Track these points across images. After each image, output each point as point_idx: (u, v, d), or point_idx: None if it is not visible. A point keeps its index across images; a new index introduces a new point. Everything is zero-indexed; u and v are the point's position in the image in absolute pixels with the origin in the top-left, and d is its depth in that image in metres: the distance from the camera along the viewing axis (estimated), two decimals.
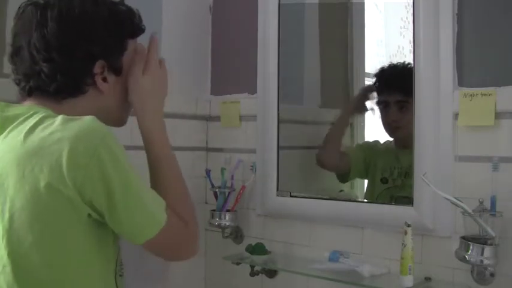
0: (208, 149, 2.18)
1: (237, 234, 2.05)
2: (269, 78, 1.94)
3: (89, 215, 0.99)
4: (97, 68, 1.09)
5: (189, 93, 2.14)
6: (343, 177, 2.03)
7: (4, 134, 1.04)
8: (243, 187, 2.00)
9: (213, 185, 2.04)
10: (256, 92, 2.01)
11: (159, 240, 1.08)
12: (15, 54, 1.09)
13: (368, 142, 1.99)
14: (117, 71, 1.13)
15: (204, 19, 2.20)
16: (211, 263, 2.16)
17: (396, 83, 1.83)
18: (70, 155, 0.95)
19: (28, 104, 1.08)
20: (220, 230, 2.01)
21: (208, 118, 2.19)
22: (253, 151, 2.00)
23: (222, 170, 2.01)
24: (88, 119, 1.01)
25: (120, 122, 1.21)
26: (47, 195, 0.95)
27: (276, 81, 1.93)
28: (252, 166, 1.99)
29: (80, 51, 1.07)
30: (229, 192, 2.00)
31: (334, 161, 2.00)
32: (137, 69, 1.17)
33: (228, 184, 2.01)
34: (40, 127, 1.00)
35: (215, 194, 2.02)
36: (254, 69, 2.00)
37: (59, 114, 1.05)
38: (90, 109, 1.10)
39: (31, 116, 1.04)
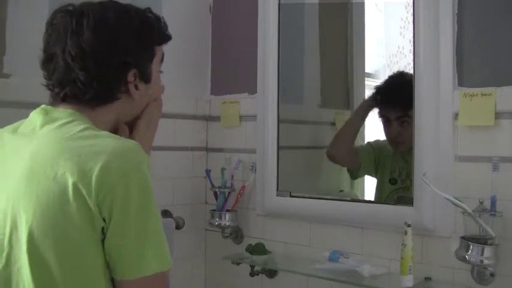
0: (208, 149, 2.18)
1: (237, 234, 2.05)
2: (269, 78, 1.94)
3: (102, 229, 0.99)
4: (130, 76, 1.12)
5: (189, 93, 2.14)
6: (353, 173, 2.02)
7: (43, 130, 1.06)
8: (243, 187, 2.00)
9: (213, 185, 2.04)
10: (256, 92, 2.01)
11: (150, 284, 1.01)
12: (48, 61, 1.11)
13: (378, 141, 1.98)
14: (147, 78, 1.16)
15: (204, 19, 2.20)
16: (211, 263, 2.16)
17: (396, 100, 1.82)
18: (102, 169, 0.97)
19: (69, 110, 1.09)
20: (220, 230, 2.02)
21: (208, 118, 2.19)
22: (253, 151, 2.00)
23: (222, 170, 2.01)
24: (131, 143, 1.04)
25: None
26: (72, 199, 0.96)
27: (276, 81, 1.93)
28: (252, 166, 1.99)
29: (115, 61, 1.09)
30: (229, 192, 2.00)
31: (344, 155, 1.99)
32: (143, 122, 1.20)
33: (228, 184, 2.01)
34: (81, 135, 1.03)
35: (215, 194, 2.02)
36: (254, 69, 2.00)
37: (94, 120, 1.09)
38: (121, 114, 1.15)
39: (71, 122, 1.06)
